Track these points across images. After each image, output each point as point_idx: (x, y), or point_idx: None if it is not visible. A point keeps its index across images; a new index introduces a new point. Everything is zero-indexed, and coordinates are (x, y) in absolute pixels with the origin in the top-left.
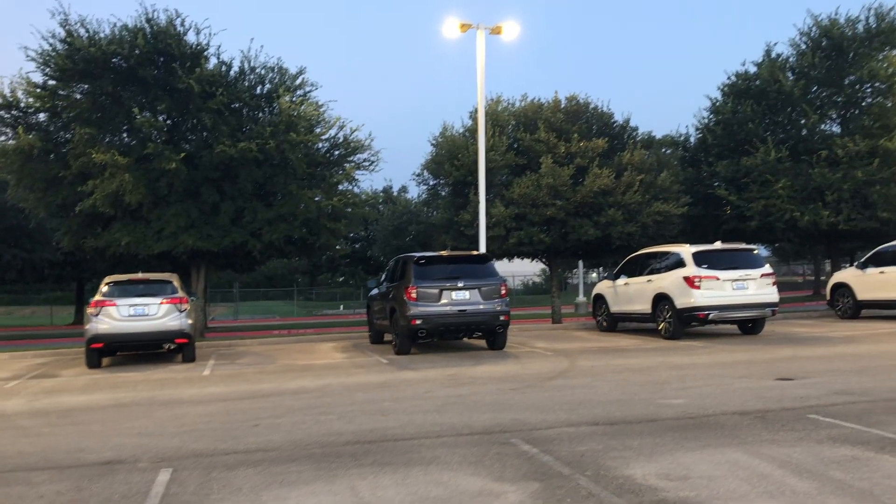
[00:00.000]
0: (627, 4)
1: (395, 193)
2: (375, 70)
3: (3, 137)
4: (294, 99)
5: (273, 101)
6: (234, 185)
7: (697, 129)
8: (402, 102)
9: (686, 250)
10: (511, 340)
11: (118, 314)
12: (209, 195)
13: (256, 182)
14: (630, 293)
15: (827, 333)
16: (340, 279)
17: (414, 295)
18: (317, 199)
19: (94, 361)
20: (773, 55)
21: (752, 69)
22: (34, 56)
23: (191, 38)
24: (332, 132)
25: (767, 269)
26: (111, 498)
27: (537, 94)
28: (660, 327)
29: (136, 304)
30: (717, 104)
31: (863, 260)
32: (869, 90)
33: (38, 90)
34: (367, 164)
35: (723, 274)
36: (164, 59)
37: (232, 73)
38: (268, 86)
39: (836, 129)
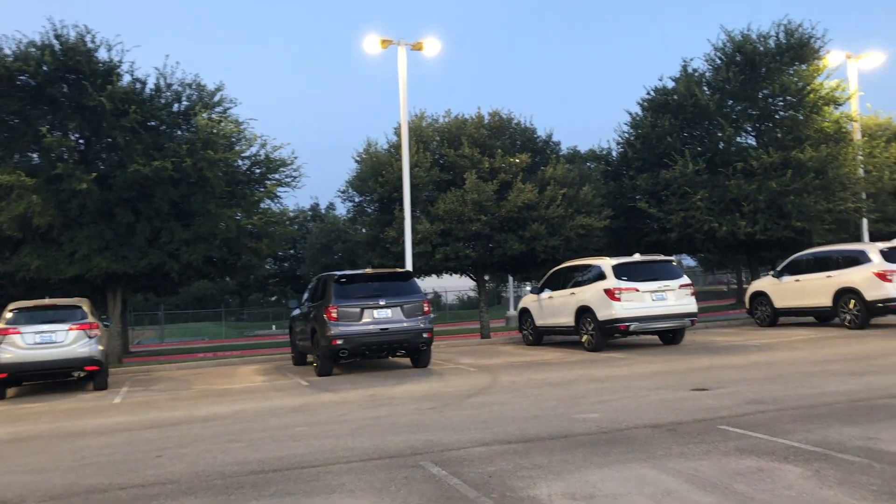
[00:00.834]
0: (550, 22)
1: (323, 211)
2: (301, 87)
3: None
4: (212, 116)
5: (191, 119)
6: (150, 204)
7: (619, 143)
8: (329, 118)
9: (606, 263)
10: (437, 357)
11: (23, 342)
12: (124, 216)
13: (173, 201)
14: (554, 306)
15: (745, 342)
16: (273, 298)
17: (335, 314)
18: (237, 217)
19: None
20: (690, 70)
21: (670, 84)
22: None
23: (102, 54)
24: (253, 149)
25: (685, 279)
26: None
27: (461, 109)
28: (583, 340)
29: (42, 332)
30: (637, 119)
31: (779, 269)
32: (781, 103)
33: None
34: (289, 181)
35: (642, 286)
36: (74, 77)
37: (147, 90)
38: (185, 103)
39: (752, 141)
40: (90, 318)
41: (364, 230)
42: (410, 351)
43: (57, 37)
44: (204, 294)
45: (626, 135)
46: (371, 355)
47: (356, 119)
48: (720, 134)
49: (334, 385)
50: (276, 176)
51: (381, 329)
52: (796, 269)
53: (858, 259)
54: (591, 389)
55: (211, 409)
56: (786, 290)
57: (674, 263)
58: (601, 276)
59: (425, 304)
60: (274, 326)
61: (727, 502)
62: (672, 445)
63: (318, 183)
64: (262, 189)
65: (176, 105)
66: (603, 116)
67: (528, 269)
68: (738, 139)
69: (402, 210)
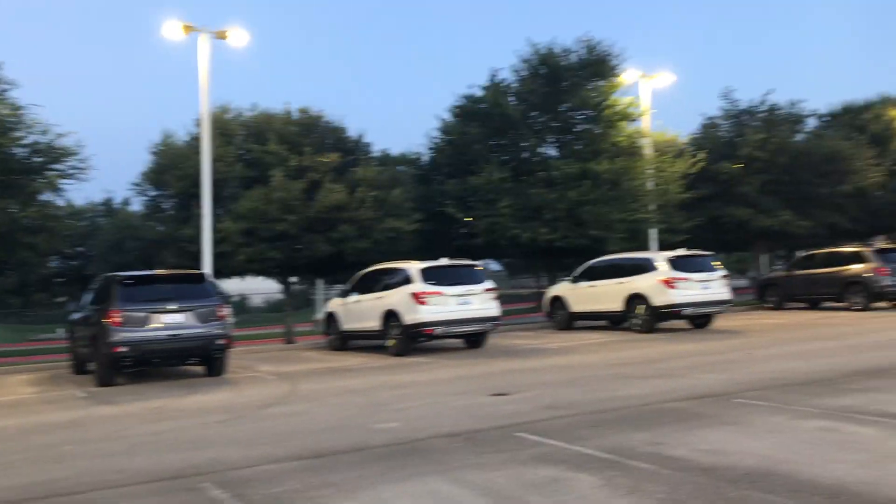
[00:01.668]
0: (368, 24)
1: (118, 206)
2: (99, 74)
3: None
4: None
5: None
6: None
7: (430, 148)
8: (130, 108)
9: (413, 267)
10: (236, 364)
11: None
12: None
13: None
14: (361, 310)
15: (543, 345)
16: (62, 300)
17: (118, 319)
18: (10, 210)
19: None
20: (498, 80)
21: (479, 93)
22: None
23: None
24: (35, 137)
25: (489, 284)
26: None
27: (270, 104)
28: (389, 344)
29: None
30: (447, 125)
31: (575, 274)
32: (581, 117)
33: None
34: (74, 172)
35: (448, 290)
36: None
37: None
38: None
39: (554, 152)
40: None
41: (160, 227)
42: (204, 359)
43: None
44: None
45: (437, 140)
46: (160, 364)
47: (158, 108)
48: (525, 144)
49: (116, 396)
50: (59, 166)
51: (171, 335)
52: (591, 275)
53: (647, 267)
54: (393, 396)
55: None
56: (581, 295)
57: (478, 268)
58: (408, 279)
59: (221, 308)
60: (59, 330)
61: None
62: (469, 455)
63: (115, 176)
64: (42, 180)
65: None
66: (417, 121)
67: (336, 272)
68: (542, 149)
69: (201, 207)
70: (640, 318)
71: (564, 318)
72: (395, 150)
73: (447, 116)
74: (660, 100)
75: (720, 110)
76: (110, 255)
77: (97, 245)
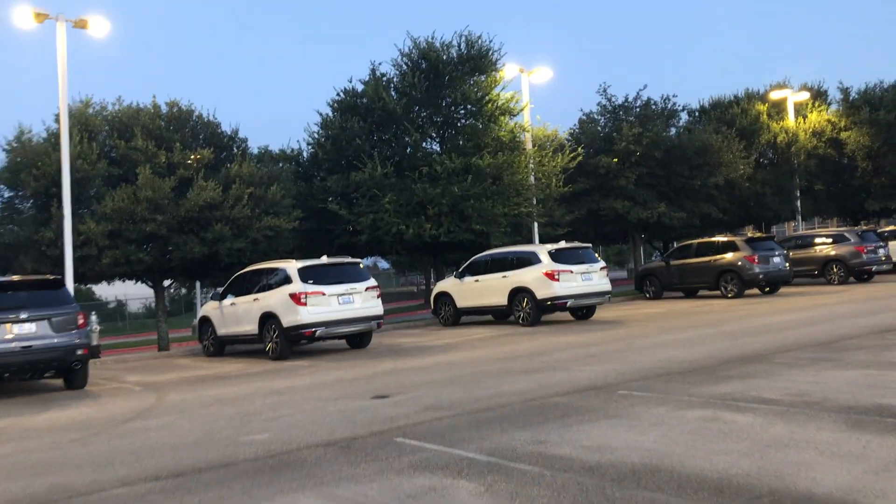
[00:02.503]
0: (245, 17)
1: None
2: None
3: None
4: None
5: None
6: None
7: (309, 144)
8: None
9: (292, 266)
10: (101, 375)
11: None
12: None
13: None
14: (237, 313)
15: (429, 342)
16: None
17: None
18: None
19: None
20: (378, 74)
21: (360, 87)
22: None
23: None
24: None
25: (372, 282)
26: None
27: (137, 98)
28: (267, 349)
29: None
30: (327, 120)
31: (460, 270)
32: (463, 112)
33: None
34: None
35: (329, 289)
36: None
37: None
38: None
39: (436, 147)
40: None
41: (16, 230)
42: (61, 371)
43: None
44: None
45: (317, 136)
46: (11, 378)
47: (12, 103)
48: (407, 139)
49: None
50: None
51: (24, 347)
52: (476, 269)
53: (530, 260)
54: (268, 404)
55: None
56: (467, 290)
57: (361, 266)
58: (287, 279)
59: (80, 316)
60: None
61: None
62: (344, 466)
63: None
64: None
65: None
66: (298, 116)
67: (214, 274)
68: (424, 144)
69: (61, 207)
70: (524, 311)
71: (451, 315)
72: (278, 146)
73: (328, 111)
74: (540, 95)
75: (597, 106)
76: None
77: None
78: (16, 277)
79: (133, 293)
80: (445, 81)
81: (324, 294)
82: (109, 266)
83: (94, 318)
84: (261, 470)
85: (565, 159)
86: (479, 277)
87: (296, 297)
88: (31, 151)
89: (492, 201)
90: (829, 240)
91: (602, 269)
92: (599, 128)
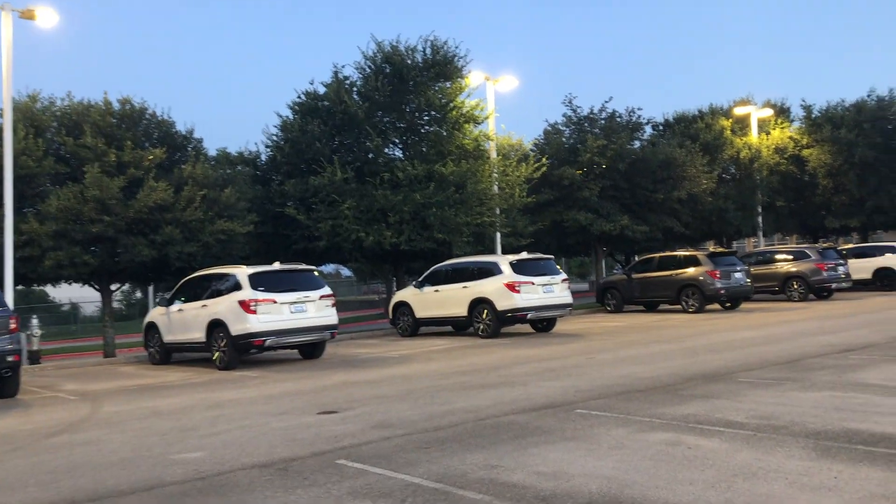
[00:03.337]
0: (201, 15)
1: None
2: None
3: None
4: None
5: None
6: None
7: (268, 146)
8: None
9: (242, 272)
10: (38, 382)
11: None
12: None
13: None
14: (185, 320)
15: (385, 353)
16: None
17: None
18: None
19: None
20: (341, 77)
21: (322, 89)
22: None
23: None
24: None
25: (327, 290)
26: None
27: (86, 94)
28: (214, 357)
29: None
30: (287, 122)
31: (420, 279)
32: (427, 118)
33: None
34: None
35: (281, 296)
36: None
37: None
38: None
39: (399, 153)
40: None
41: None
42: None
43: None
44: None
45: (276, 138)
46: None
47: None
48: (369, 143)
49: None
50: None
51: None
52: (436, 279)
53: (491, 270)
54: (207, 419)
55: None
56: (426, 300)
57: (315, 273)
58: (237, 286)
59: (12, 320)
60: None
61: None
62: (278, 492)
63: None
64: None
65: None
66: (262, 119)
67: (163, 278)
68: (387, 150)
69: (1, 206)
70: (484, 322)
71: (409, 325)
72: (237, 148)
73: (288, 114)
74: (505, 104)
75: (563, 117)
76: None
77: None
78: None
79: (88, 296)
80: (410, 87)
81: (275, 302)
82: (53, 268)
83: (34, 321)
84: (187, 494)
85: (529, 169)
86: (440, 287)
87: (245, 305)
88: None
89: (454, 210)
90: (790, 256)
91: (563, 281)
92: (564, 139)
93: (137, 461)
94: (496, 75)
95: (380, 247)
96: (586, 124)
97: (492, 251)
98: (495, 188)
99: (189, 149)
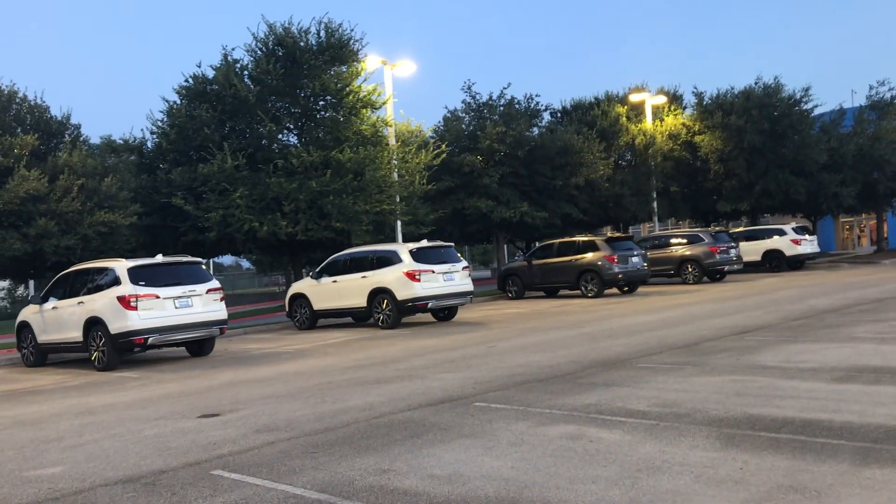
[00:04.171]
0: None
1: None
2: None
3: None
4: None
5: None
6: None
7: (154, 133)
8: None
9: (121, 266)
10: None
11: None
12: None
13: None
14: (61, 319)
15: (279, 348)
16: None
17: None
18: None
19: None
20: (231, 59)
21: (211, 73)
22: None
23: None
24: None
25: (215, 283)
26: None
27: None
28: (93, 357)
29: None
30: (174, 107)
31: (317, 270)
32: (322, 103)
33: None
34: None
35: (164, 291)
36: None
37: None
38: None
39: (294, 139)
40: None
41: None
42: None
43: None
44: None
45: (162, 124)
46: None
47: None
48: (262, 129)
49: None
50: None
51: None
52: (335, 269)
53: (391, 259)
54: (74, 427)
55: None
56: (324, 291)
57: (202, 266)
58: (115, 281)
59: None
60: None
61: None
62: None
63: None
64: None
65: None
66: (148, 104)
67: (41, 274)
68: (281, 136)
69: None
70: (384, 313)
71: (307, 317)
72: (121, 135)
73: (175, 98)
74: (404, 90)
75: (462, 103)
76: None
77: None
78: None
79: None
80: (304, 70)
81: (158, 297)
82: None
83: None
84: None
85: (429, 156)
86: (338, 278)
87: (125, 301)
88: None
89: (353, 198)
90: (685, 240)
91: (464, 268)
92: (464, 126)
93: None
94: (394, 60)
95: (275, 237)
96: (485, 111)
97: (392, 240)
98: (395, 175)
99: (66, 135)
